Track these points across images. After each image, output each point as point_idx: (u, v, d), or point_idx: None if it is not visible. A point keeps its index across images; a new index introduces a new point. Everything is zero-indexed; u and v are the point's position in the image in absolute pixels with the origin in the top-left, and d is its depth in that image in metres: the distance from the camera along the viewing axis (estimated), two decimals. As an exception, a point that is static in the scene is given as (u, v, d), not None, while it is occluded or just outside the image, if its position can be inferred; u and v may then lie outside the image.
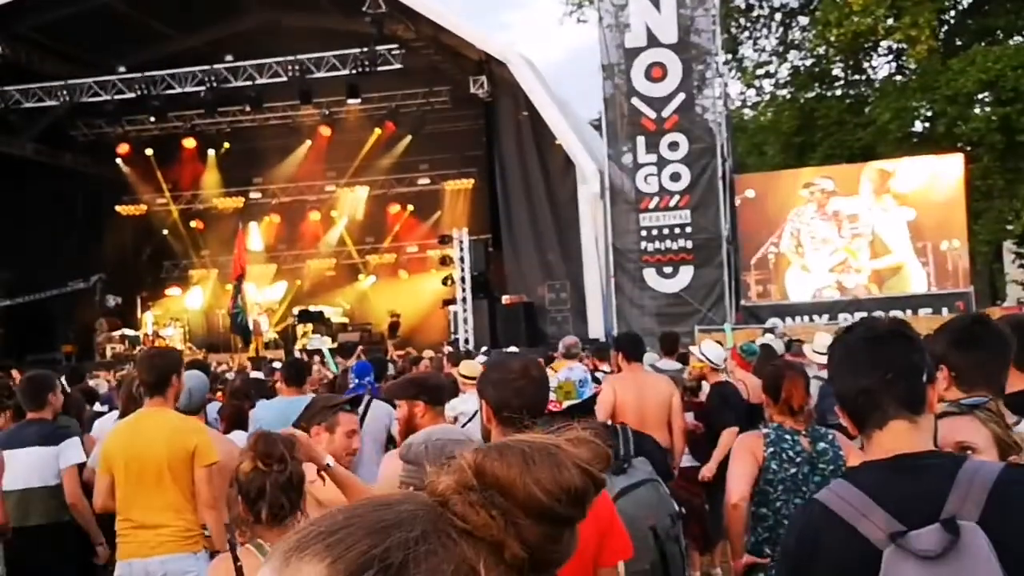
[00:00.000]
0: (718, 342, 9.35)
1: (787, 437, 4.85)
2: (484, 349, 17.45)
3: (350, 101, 24.73)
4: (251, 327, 25.64)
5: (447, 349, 17.30)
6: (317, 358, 15.65)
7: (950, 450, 2.67)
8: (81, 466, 6.08)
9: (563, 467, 1.17)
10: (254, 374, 12.05)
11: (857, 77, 32.12)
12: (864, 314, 17.43)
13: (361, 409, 7.52)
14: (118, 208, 30.25)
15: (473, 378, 7.75)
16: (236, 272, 25.69)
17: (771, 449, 4.82)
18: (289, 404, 7.59)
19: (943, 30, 29.06)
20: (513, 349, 12.37)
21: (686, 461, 8.23)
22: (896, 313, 19.83)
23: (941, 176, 22.04)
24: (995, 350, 3.05)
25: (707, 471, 7.86)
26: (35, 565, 5.91)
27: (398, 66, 22.70)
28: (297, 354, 20.15)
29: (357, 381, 8.18)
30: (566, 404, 4.31)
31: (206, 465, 5.29)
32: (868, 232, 21.95)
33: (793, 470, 4.77)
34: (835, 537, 2.16)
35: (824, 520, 2.19)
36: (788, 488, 4.77)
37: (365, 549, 0.97)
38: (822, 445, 4.83)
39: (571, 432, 1.23)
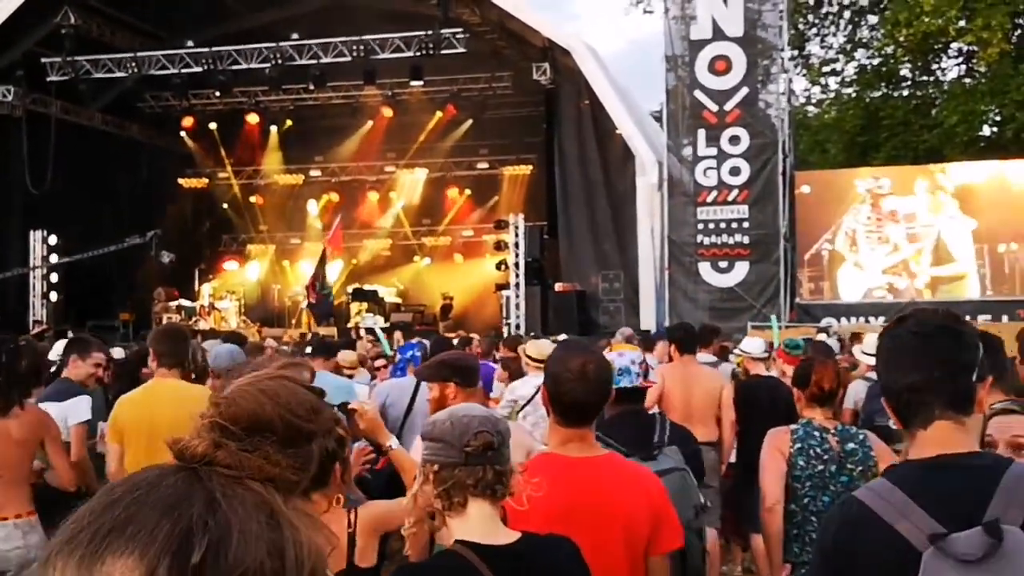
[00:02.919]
0: (770, 344, 9.28)
1: (815, 434, 4.81)
2: (531, 335, 17.45)
3: (413, 83, 24.79)
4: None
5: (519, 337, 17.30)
6: (370, 336, 15.78)
7: (1003, 446, 2.63)
8: (88, 424, 6.10)
9: (297, 391, 1.28)
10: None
11: (925, 78, 31.62)
12: (921, 318, 17.29)
13: (411, 391, 7.62)
14: (180, 180, 30.70)
15: (539, 360, 7.78)
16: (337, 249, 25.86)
17: (798, 445, 4.78)
18: (319, 377, 7.68)
19: (1016, 33, 28.47)
20: (563, 338, 12.30)
21: (735, 455, 8.20)
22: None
23: (1005, 181, 21.70)
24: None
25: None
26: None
27: (462, 50, 22.71)
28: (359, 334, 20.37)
29: (400, 356, 8.26)
30: None
31: None
32: (930, 235, 21.65)
33: (820, 467, 4.74)
34: (873, 537, 2.12)
35: (862, 519, 2.15)
36: (816, 485, 4.74)
37: (171, 527, 0.91)
38: (851, 445, 4.78)
39: (277, 362, 1.37)
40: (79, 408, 6.06)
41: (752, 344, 8.55)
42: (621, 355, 4.42)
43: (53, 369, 7.24)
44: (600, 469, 3.09)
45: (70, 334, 8.25)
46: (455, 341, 11.93)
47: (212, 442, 1.08)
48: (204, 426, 1.15)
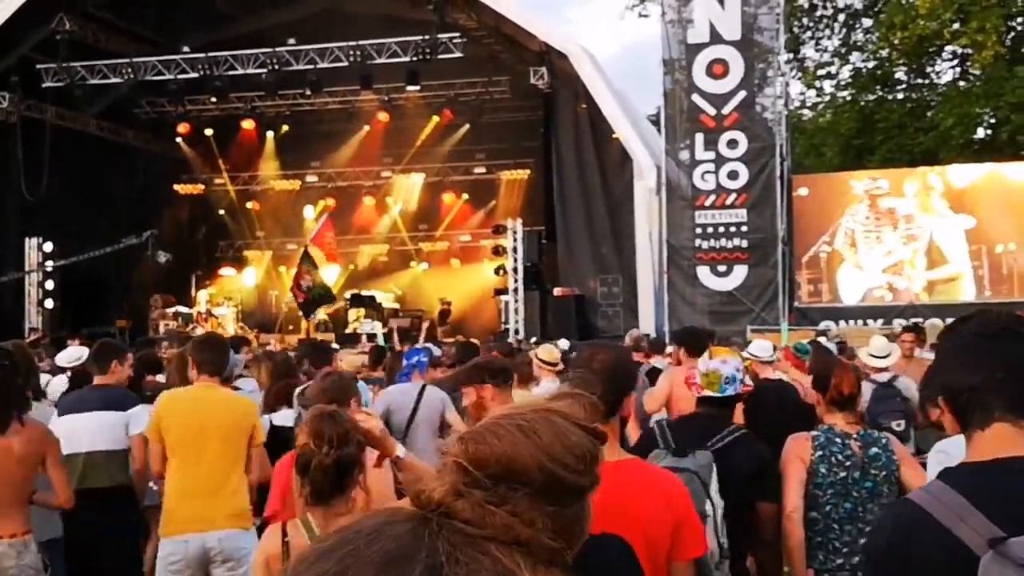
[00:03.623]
0: (773, 346, 9.27)
1: (837, 440, 4.75)
2: (533, 340, 17.45)
3: (409, 88, 24.75)
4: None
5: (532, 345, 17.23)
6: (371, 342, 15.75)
7: None
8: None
9: (568, 432, 1.06)
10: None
11: (920, 81, 31.73)
12: (919, 320, 17.36)
13: (415, 395, 7.59)
14: (176, 187, 30.66)
15: (550, 363, 7.78)
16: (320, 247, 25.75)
17: (819, 452, 4.72)
18: None
19: (1010, 36, 28.57)
20: (563, 342, 12.32)
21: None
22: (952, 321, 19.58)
23: (1001, 183, 21.76)
24: None
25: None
26: (93, 526, 5.99)
27: (459, 55, 22.71)
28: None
29: (406, 362, 8.22)
30: (705, 393, 4.46)
31: (259, 444, 5.35)
32: (924, 236, 21.70)
33: (843, 474, 4.68)
34: (929, 540, 2.08)
35: (917, 522, 2.11)
36: (838, 492, 4.68)
37: None
38: (874, 450, 4.72)
39: (547, 391, 1.08)
40: (141, 417, 6.07)
41: (760, 347, 8.55)
42: (725, 362, 4.44)
43: (69, 375, 7.25)
44: (620, 473, 3.04)
45: (73, 342, 8.22)
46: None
47: (452, 488, 0.95)
48: (447, 466, 0.98)
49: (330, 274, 30.27)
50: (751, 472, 4.36)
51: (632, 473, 3.10)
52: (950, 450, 3.60)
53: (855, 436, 4.78)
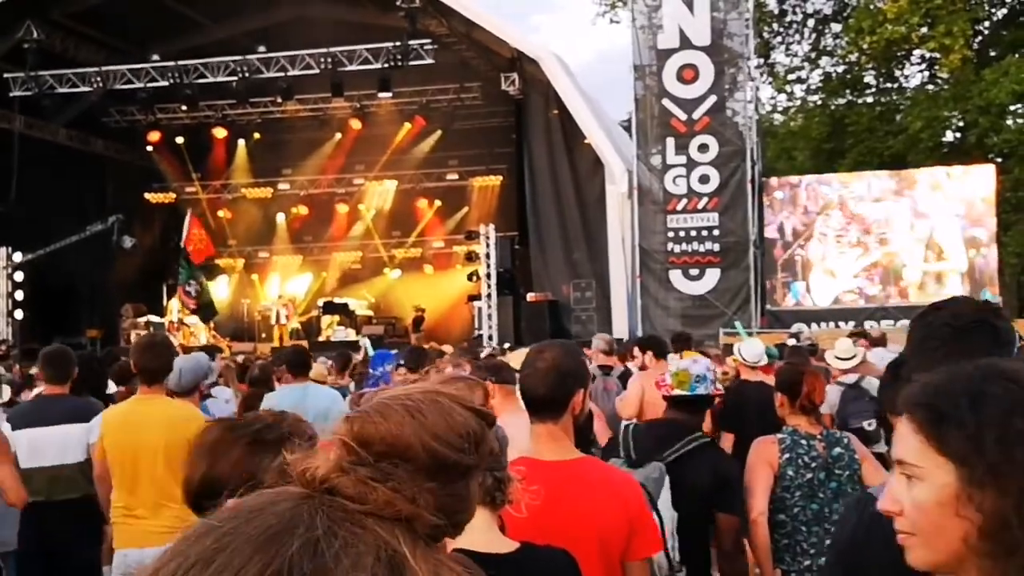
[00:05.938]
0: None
1: (802, 442, 4.75)
2: (507, 346, 17.44)
3: (381, 95, 24.73)
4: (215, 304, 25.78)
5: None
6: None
7: None
8: None
9: (453, 412, 1.08)
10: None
11: (889, 85, 31.98)
12: (890, 322, 17.45)
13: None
14: (147, 195, 30.42)
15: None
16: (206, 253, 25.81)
17: (787, 455, 4.72)
18: (291, 392, 7.42)
19: (977, 40, 28.84)
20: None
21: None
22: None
23: (973, 185, 21.91)
24: None
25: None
26: (61, 538, 5.92)
27: (430, 61, 22.70)
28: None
29: (371, 372, 8.20)
30: (675, 392, 4.44)
31: None
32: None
33: (809, 475, 4.69)
34: (884, 537, 2.01)
35: (879, 517, 1.99)
36: (805, 494, 4.69)
37: (261, 568, 0.80)
38: (837, 450, 4.74)
39: (440, 375, 1.15)
40: (99, 427, 6.02)
41: (752, 351, 8.42)
42: (696, 362, 4.44)
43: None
44: (573, 474, 3.02)
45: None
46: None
47: (336, 465, 0.96)
48: (335, 444, 1.00)
49: (302, 282, 30.24)
50: (707, 483, 4.26)
51: (585, 472, 3.07)
52: None
53: (819, 436, 4.80)
